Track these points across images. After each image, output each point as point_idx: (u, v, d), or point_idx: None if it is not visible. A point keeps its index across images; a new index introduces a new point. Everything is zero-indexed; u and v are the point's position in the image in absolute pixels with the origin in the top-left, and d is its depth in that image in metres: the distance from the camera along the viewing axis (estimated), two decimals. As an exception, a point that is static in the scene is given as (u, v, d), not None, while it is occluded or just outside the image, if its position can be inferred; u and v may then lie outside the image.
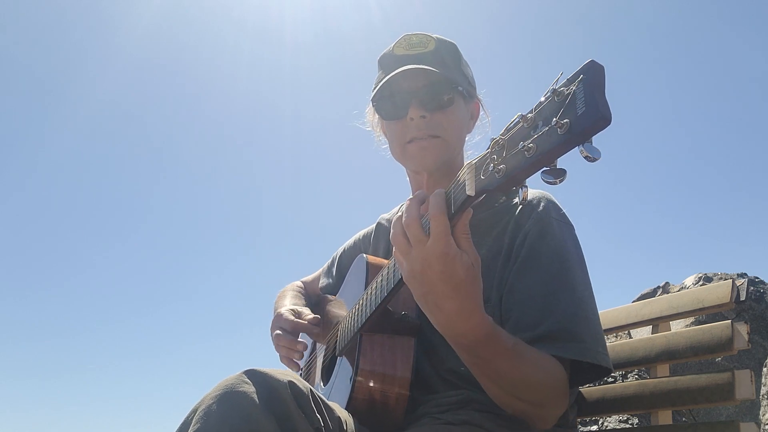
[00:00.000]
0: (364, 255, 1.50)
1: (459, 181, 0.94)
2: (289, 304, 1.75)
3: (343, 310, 1.59)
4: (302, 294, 1.89)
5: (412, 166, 1.45)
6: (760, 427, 3.04)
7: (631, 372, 2.81)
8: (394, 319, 1.29)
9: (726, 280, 1.79)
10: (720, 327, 1.37)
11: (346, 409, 1.25)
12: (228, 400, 0.98)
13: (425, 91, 1.37)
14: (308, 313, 1.62)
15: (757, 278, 3.53)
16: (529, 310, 1.20)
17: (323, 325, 1.70)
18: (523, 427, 1.24)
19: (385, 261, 1.47)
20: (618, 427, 2.76)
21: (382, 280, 1.22)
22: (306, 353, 1.76)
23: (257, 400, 0.98)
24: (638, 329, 1.79)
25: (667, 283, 3.63)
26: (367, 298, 1.29)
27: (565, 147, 0.72)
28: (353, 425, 1.22)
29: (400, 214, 1.01)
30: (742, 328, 1.34)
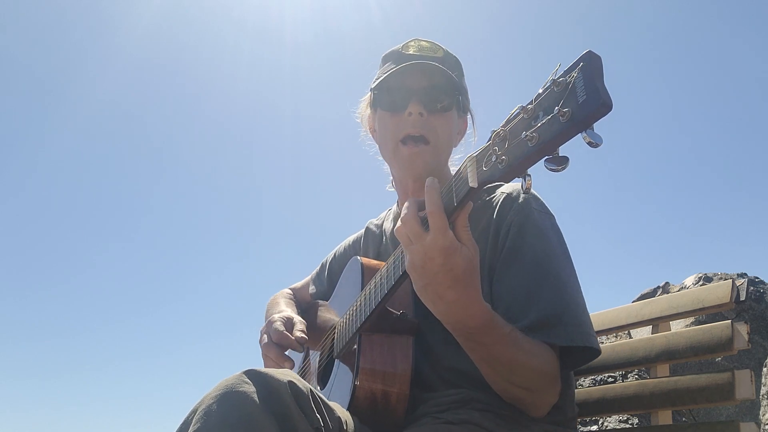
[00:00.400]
0: (358, 257, 1.51)
1: (461, 174, 0.94)
2: (283, 310, 1.72)
3: (335, 315, 1.59)
4: (293, 301, 1.89)
5: (400, 169, 1.47)
6: (760, 427, 3.04)
7: (631, 372, 2.81)
8: (392, 319, 1.30)
9: (726, 280, 1.79)
10: (720, 327, 1.37)
11: (347, 409, 1.25)
12: (228, 400, 0.98)
13: (428, 90, 1.39)
14: (299, 328, 1.53)
15: (757, 278, 3.53)
16: (516, 301, 1.23)
17: (316, 331, 1.70)
18: (522, 426, 1.24)
19: (380, 263, 1.47)
20: (618, 427, 2.76)
21: (381, 278, 1.22)
22: (299, 359, 1.76)
23: (257, 400, 0.98)
24: (638, 329, 1.79)
25: (667, 283, 3.63)
26: (365, 299, 1.29)
27: (567, 134, 0.73)
28: (354, 425, 1.22)
29: (407, 203, 1.04)
30: (742, 328, 1.34)
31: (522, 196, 1.34)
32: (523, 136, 0.78)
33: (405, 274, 1.11)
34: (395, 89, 1.42)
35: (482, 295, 1.07)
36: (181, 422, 1.03)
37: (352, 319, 1.35)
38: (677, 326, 1.95)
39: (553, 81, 0.75)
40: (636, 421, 2.73)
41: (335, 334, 1.50)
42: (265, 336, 1.54)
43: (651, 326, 1.59)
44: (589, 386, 1.59)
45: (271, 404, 0.99)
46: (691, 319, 2.79)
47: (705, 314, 1.69)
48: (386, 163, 1.54)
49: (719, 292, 1.41)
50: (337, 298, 1.65)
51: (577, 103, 0.71)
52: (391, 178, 1.58)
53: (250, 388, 1.00)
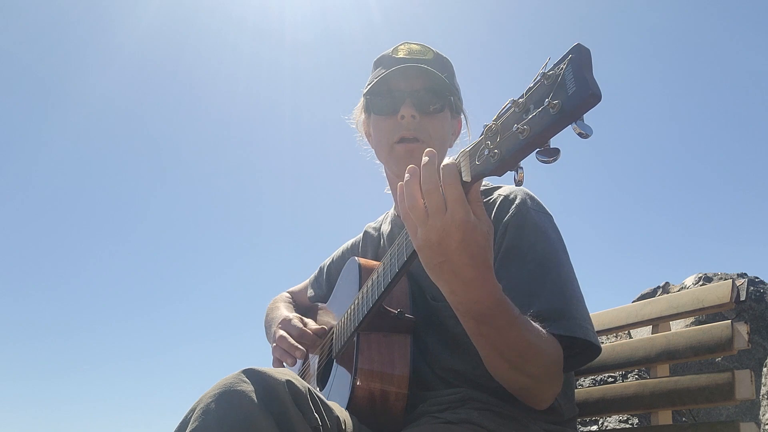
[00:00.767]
0: (356, 258, 1.51)
1: None
2: (285, 313, 1.75)
3: (334, 318, 1.60)
4: (292, 305, 1.90)
5: (396, 168, 1.47)
6: (760, 427, 3.03)
7: (631, 372, 2.81)
8: (390, 317, 1.30)
9: (726, 280, 1.79)
10: (720, 327, 1.37)
11: (346, 408, 1.25)
12: (226, 399, 0.98)
13: (421, 93, 1.41)
14: (314, 324, 1.62)
15: (757, 278, 3.53)
16: (518, 297, 1.21)
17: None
18: (521, 426, 1.24)
19: (378, 262, 1.47)
20: (618, 427, 2.76)
21: (378, 276, 1.22)
22: (299, 362, 1.76)
23: (255, 399, 0.98)
24: (638, 329, 1.79)
25: (667, 283, 3.63)
26: (362, 297, 1.30)
27: (558, 126, 0.74)
28: (352, 425, 1.22)
29: (408, 176, 0.97)
30: (742, 328, 1.34)
31: (519, 197, 1.34)
32: (514, 129, 0.79)
33: (402, 271, 1.10)
34: (387, 93, 1.43)
35: None
36: (179, 421, 1.03)
37: (350, 319, 1.35)
38: (677, 326, 1.95)
39: (543, 74, 0.76)
40: (636, 421, 2.73)
41: (333, 335, 1.50)
42: (282, 332, 1.59)
43: (651, 326, 1.59)
44: (589, 386, 1.59)
45: (269, 403, 0.99)
46: (691, 319, 2.79)
47: (705, 314, 1.69)
48: (383, 166, 1.55)
49: (719, 292, 1.41)
50: (336, 299, 1.66)
51: (567, 95, 0.71)
52: (388, 181, 1.58)
53: (248, 387, 0.99)
